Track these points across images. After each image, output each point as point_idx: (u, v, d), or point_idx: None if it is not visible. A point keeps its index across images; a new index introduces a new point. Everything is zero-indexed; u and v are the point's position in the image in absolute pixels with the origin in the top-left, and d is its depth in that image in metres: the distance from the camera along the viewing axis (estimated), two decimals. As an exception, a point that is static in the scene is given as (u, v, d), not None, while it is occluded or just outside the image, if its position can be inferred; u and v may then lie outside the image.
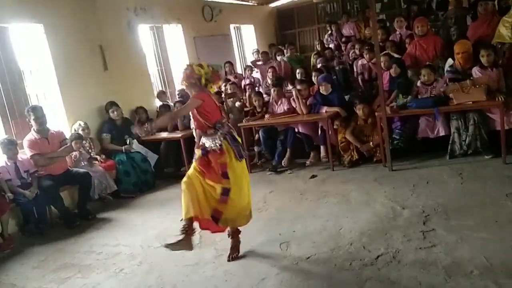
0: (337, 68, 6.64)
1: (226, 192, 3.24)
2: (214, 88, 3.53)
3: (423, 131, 5.01)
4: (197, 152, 3.38)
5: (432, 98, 4.84)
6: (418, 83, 5.17)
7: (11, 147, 4.62)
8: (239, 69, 9.83)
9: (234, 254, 3.42)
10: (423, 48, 5.82)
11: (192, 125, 3.63)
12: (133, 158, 5.82)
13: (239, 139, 3.48)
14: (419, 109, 4.87)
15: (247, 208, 3.46)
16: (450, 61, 5.37)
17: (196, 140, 3.58)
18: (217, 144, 3.27)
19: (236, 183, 3.29)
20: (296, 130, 5.71)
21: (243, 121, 6.00)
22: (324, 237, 3.51)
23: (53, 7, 5.56)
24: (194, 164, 3.37)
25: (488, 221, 3.29)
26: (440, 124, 4.92)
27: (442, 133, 4.93)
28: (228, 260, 3.38)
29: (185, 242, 3.13)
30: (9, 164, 4.62)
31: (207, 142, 3.31)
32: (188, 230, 3.17)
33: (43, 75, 5.57)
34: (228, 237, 3.50)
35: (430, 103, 4.76)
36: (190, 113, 3.43)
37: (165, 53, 7.96)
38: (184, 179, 3.30)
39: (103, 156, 5.69)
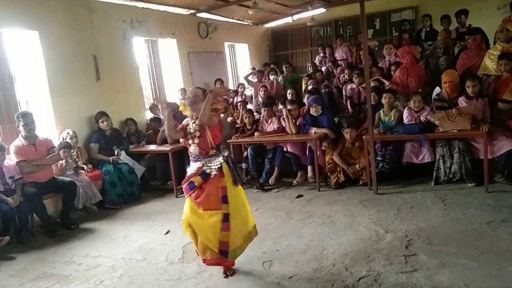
0: (323, 91, 6.76)
1: (226, 218, 3.21)
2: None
3: (408, 156, 5.11)
4: (196, 180, 3.25)
5: (419, 125, 4.94)
6: (405, 110, 5.27)
7: (-1, 152, 4.58)
8: (231, 86, 9.92)
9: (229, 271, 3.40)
10: (417, 74, 5.96)
11: (194, 150, 3.30)
12: (120, 169, 5.79)
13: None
14: (406, 135, 4.97)
15: (249, 228, 3.46)
16: (437, 89, 5.51)
17: (190, 165, 3.36)
18: (217, 166, 3.23)
19: (234, 207, 3.27)
20: (284, 149, 5.75)
21: (233, 137, 6.03)
22: (307, 257, 3.52)
23: (50, 15, 5.60)
24: (188, 201, 3.31)
25: (469, 248, 3.34)
26: (426, 151, 5.02)
27: (428, 159, 5.02)
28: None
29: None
30: (-6, 169, 4.57)
31: (205, 165, 3.24)
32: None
33: (34, 82, 5.56)
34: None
35: (416, 130, 4.85)
36: (198, 129, 3.26)
37: (158, 66, 8.01)
38: (184, 224, 3.34)
39: (90, 166, 5.65)
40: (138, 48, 7.37)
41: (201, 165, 3.25)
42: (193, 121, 3.34)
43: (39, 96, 5.60)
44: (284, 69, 9.16)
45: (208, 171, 3.24)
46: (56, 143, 5.30)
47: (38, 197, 4.73)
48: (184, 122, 3.43)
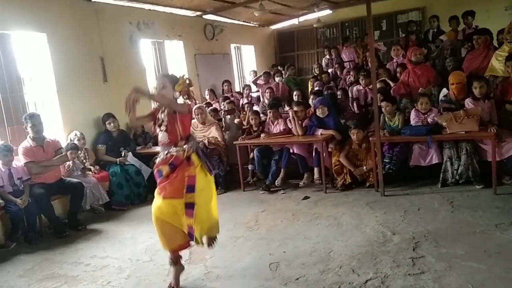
0: (325, 92, 6.75)
1: (190, 206, 3.07)
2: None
3: (416, 159, 5.08)
4: (164, 169, 3.15)
5: (426, 126, 4.92)
6: (413, 111, 5.24)
7: (7, 153, 4.61)
8: (237, 88, 9.94)
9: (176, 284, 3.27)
10: (417, 75, 5.93)
11: (162, 138, 3.23)
12: (127, 171, 5.82)
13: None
14: (413, 136, 4.95)
15: (216, 221, 3.31)
16: (444, 90, 5.47)
17: (159, 156, 3.25)
18: (184, 151, 3.12)
19: (202, 196, 3.12)
20: (291, 150, 5.75)
21: (239, 139, 6.04)
22: (314, 259, 3.51)
23: (58, 18, 5.65)
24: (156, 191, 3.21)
25: (477, 250, 3.31)
26: (433, 152, 4.99)
27: (435, 161, 4.99)
28: None
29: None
30: (3, 170, 4.60)
31: (173, 151, 3.16)
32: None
33: (42, 83, 5.61)
34: (170, 265, 3.34)
35: (423, 131, 4.83)
36: (167, 119, 3.22)
37: (165, 68, 8.04)
38: (153, 211, 3.19)
39: (97, 167, 5.69)
40: (144, 50, 7.41)
41: (168, 152, 3.17)
42: (161, 110, 3.28)
43: (47, 98, 5.65)
44: (287, 71, 9.17)
45: (176, 154, 3.12)
46: (63, 144, 5.34)
47: (46, 198, 4.77)
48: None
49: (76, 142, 5.48)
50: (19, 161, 4.84)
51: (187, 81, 3.36)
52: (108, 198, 5.52)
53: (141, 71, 7.13)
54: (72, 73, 5.80)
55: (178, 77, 3.35)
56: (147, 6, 7.21)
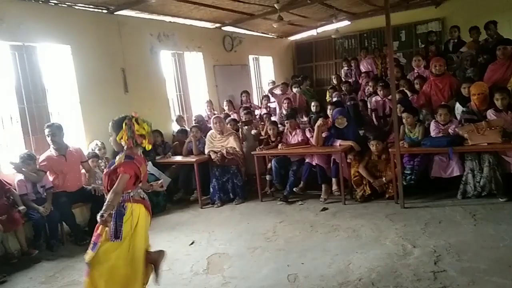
0: (348, 103, 6.72)
1: (88, 265, 2.88)
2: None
3: (436, 171, 5.00)
4: None
5: (447, 138, 4.85)
6: (432, 123, 5.18)
7: (30, 161, 4.72)
8: (255, 99, 9.99)
9: None
10: (439, 88, 5.85)
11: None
12: (147, 180, 5.86)
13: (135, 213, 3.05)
14: (433, 148, 4.87)
15: None
16: (458, 105, 5.39)
17: None
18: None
19: (103, 263, 2.86)
20: (313, 163, 5.67)
21: (257, 149, 6.05)
22: (333, 271, 3.48)
23: (81, 30, 5.81)
24: None
25: (501, 265, 3.23)
26: (454, 164, 4.91)
27: (456, 173, 4.90)
28: None
29: None
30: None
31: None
32: None
33: (66, 94, 5.75)
34: None
35: (444, 143, 4.76)
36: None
37: (184, 79, 8.15)
38: None
39: (117, 176, 5.76)
40: (165, 61, 7.53)
41: None
42: None
43: (70, 108, 5.79)
44: (304, 83, 9.21)
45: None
46: (85, 153, 5.43)
47: (68, 206, 4.86)
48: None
49: (97, 151, 5.59)
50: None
51: (133, 124, 3.03)
52: (127, 207, 5.57)
53: (161, 82, 7.25)
54: (94, 84, 5.93)
55: (123, 122, 3.03)
56: (167, 18, 7.36)
